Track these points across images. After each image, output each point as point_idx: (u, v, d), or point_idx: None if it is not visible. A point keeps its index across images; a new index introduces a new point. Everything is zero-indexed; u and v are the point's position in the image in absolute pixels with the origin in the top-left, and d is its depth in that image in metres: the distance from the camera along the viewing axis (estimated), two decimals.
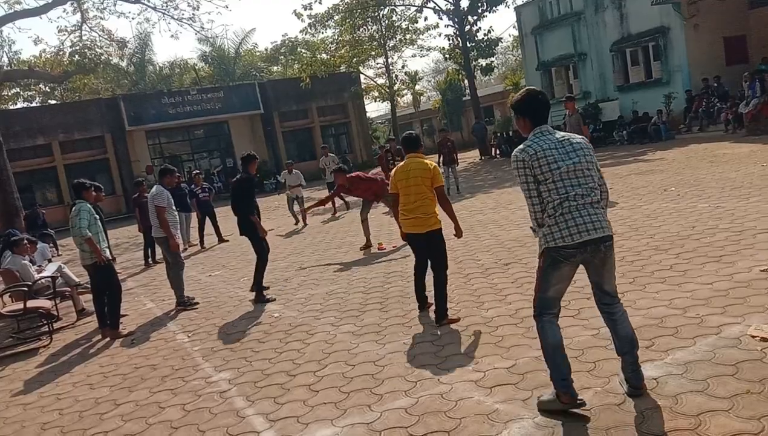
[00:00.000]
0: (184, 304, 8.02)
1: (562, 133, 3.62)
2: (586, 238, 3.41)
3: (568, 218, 3.42)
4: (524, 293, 6.01)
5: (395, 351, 5.04)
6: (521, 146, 3.58)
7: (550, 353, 3.58)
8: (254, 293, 7.78)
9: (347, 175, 10.39)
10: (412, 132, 6.21)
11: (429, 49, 51.03)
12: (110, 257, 7.55)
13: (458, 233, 5.90)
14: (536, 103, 3.63)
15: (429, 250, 5.76)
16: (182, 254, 9.27)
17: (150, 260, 12.52)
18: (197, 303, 8.08)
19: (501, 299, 6.00)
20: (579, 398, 3.50)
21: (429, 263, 5.82)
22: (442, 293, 5.59)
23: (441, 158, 15.63)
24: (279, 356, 5.44)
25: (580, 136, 3.66)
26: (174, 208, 8.47)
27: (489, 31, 28.86)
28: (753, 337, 4.08)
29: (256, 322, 6.74)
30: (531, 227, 3.68)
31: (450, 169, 15.78)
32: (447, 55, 31.78)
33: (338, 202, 15.77)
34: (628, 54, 23.73)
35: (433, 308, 5.70)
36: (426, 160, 5.81)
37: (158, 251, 11.76)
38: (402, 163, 5.92)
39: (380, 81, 40.10)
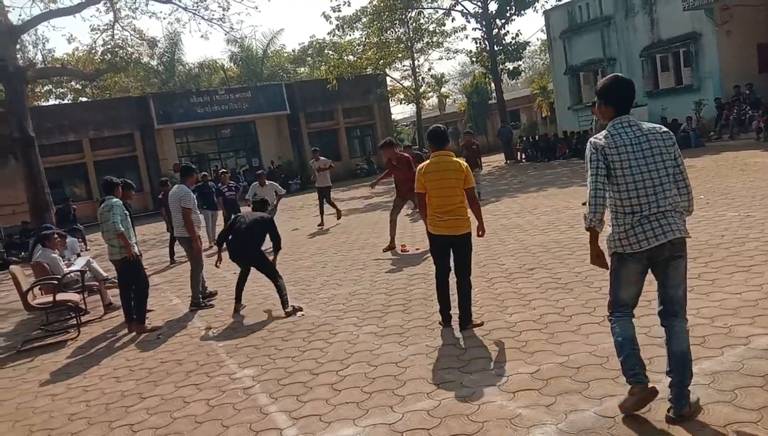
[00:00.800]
0: (198, 305, 7.99)
1: (646, 126, 3.46)
2: (654, 244, 3.35)
3: (636, 227, 3.37)
4: (548, 299, 5.97)
5: (418, 353, 5.04)
6: (599, 136, 3.48)
7: (619, 348, 3.53)
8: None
9: (398, 153, 10.18)
10: (440, 126, 5.74)
11: (456, 51, 51.14)
12: (138, 253, 7.65)
13: (482, 232, 5.70)
14: (622, 90, 3.51)
15: (457, 254, 5.50)
16: (207, 252, 9.38)
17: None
18: (212, 304, 8.11)
19: (525, 303, 5.97)
20: (651, 385, 3.46)
21: (452, 268, 5.56)
22: (468, 298, 5.51)
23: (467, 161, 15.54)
24: (302, 355, 5.48)
25: (662, 130, 3.48)
26: (197, 209, 8.48)
27: (517, 35, 28.79)
28: None
29: (280, 320, 6.79)
30: (585, 216, 3.48)
31: (473, 173, 15.61)
32: (474, 59, 31.71)
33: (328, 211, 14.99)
34: (658, 59, 23.44)
35: (455, 319, 5.57)
36: (457, 159, 5.52)
37: (177, 249, 12.07)
38: (431, 161, 5.49)
39: (406, 83, 40.10)
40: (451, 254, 5.55)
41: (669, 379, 3.44)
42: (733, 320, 4.64)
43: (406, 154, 10.65)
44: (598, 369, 4.17)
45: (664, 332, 3.55)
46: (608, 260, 3.56)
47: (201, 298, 8.19)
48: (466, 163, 5.60)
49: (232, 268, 10.70)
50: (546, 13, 28.42)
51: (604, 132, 3.50)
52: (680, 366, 3.41)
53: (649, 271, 3.54)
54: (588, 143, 3.51)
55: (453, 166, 5.43)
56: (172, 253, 12.67)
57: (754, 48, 21.05)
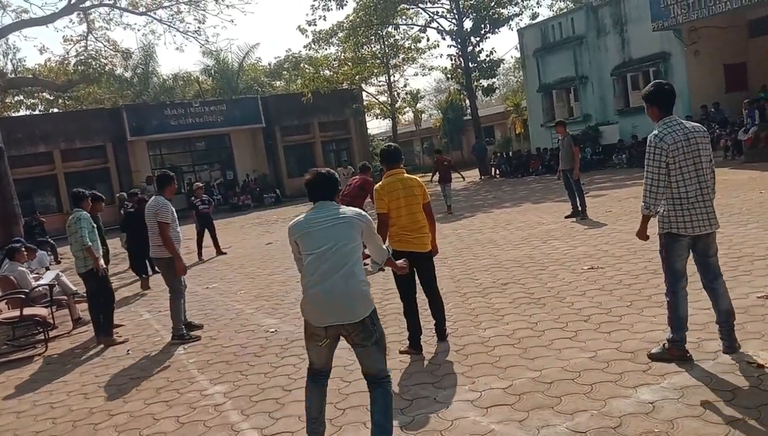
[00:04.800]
0: (182, 337, 6.90)
1: (689, 125, 4.17)
2: (698, 233, 4.16)
3: (689, 210, 4.12)
4: (521, 314, 6.01)
5: (391, 369, 5.01)
6: (658, 133, 4.11)
7: (676, 320, 4.28)
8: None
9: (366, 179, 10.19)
10: (392, 144, 5.68)
11: (431, 68, 51.34)
12: (105, 266, 7.52)
13: (436, 251, 5.65)
14: (665, 93, 4.22)
15: (425, 270, 5.48)
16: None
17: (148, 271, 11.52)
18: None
19: (498, 318, 6.00)
20: (687, 354, 4.26)
21: (417, 286, 5.46)
22: (443, 311, 5.57)
23: (438, 176, 16.52)
24: (275, 371, 5.43)
25: (702, 129, 4.20)
26: (177, 223, 7.15)
27: (491, 53, 29.19)
28: (749, 363, 4.09)
29: (252, 336, 6.72)
30: (643, 205, 4.22)
31: (446, 187, 16.46)
32: (449, 75, 32.02)
33: None
34: (629, 78, 23.92)
35: (425, 336, 5.47)
36: (412, 176, 5.52)
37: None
38: (391, 180, 5.36)
39: (382, 98, 40.31)
40: (416, 273, 5.43)
41: (718, 326, 4.35)
42: (702, 334, 4.69)
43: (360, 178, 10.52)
44: (570, 384, 4.21)
45: (709, 295, 4.38)
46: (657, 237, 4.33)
47: (184, 329, 7.06)
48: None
49: (205, 283, 10.63)
50: (520, 31, 28.84)
51: (656, 130, 4.14)
52: (727, 317, 4.29)
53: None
54: (650, 139, 4.14)
55: (415, 184, 5.41)
56: (136, 267, 11.51)
57: (721, 68, 21.60)
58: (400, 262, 4.27)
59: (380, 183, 5.45)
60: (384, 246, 4.07)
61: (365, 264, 4.03)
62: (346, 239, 3.59)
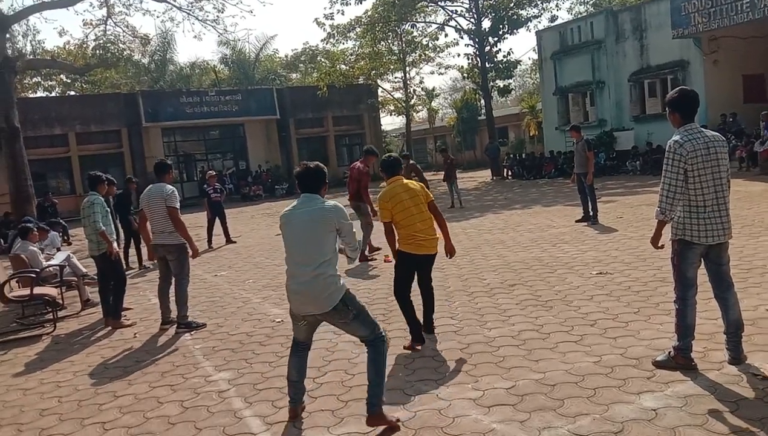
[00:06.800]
0: (189, 325, 6.82)
1: (709, 134, 4.18)
2: (712, 242, 4.15)
3: (704, 219, 4.10)
4: (528, 316, 6.01)
5: (395, 364, 5.04)
6: (678, 139, 4.09)
7: (683, 329, 4.26)
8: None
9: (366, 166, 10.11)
10: (392, 155, 5.88)
11: (447, 67, 51.14)
12: (118, 249, 7.59)
13: (451, 252, 5.70)
14: (688, 100, 4.19)
15: (426, 271, 5.63)
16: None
17: (139, 264, 11.62)
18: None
19: (504, 319, 6.00)
20: (693, 362, 4.25)
21: (413, 284, 5.55)
22: (433, 306, 5.74)
23: (444, 175, 17.46)
24: (279, 360, 5.45)
25: (722, 138, 4.22)
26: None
27: (508, 53, 29.09)
28: (755, 375, 4.07)
29: (258, 325, 6.76)
30: (658, 210, 4.17)
31: (452, 185, 17.21)
32: (465, 75, 31.94)
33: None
34: (646, 85, 23.78)
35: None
36: (412, 181, 5.71)
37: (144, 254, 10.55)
38: (394, 186, 5.48)
39: (397, 95, 40.29)
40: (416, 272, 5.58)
41: (725, 336, 4.33)
42: (708, 344, 4.68)
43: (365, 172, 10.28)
44: (574, 387, 4.21)
45: (719, 305, 4.35)
46: (669, 243, 4.34)
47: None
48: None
49: (213, 271, 10.69)
50: (538, 33, 28.73)
51: (677, 136, 4.12)
52: (736, 328, 4.27)
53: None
54: (670, 145, 4.12)
55: (417, 186, 5.58)
56: (127, 255, 11.45)
57: (740, 78, 21.42)
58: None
59: (382, 191, 5.57)
60: (357, 245, 4.26)
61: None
62: (317, 233, 3.89)
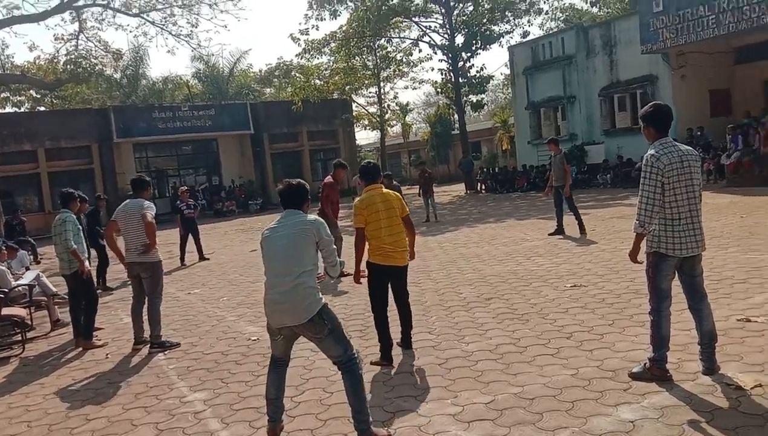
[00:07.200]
0: (162, 344, 6.68)
1: (683, 148, 4.24)
2: (686, 254, 4.22)
3: (679, 232, 4.18)
4: (505, 329, 6.03)
5: (374, 381, 5.01)
6: (655, 153, 4.15)
7: (659, 340, 4.32)
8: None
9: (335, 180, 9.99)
10: (371, 161, 5.89)
11: (421, 81, 51.49)
12: (90, 268, 7.45)
13: (413, 256, 5.75)
14: (663, 114, 4.26)
15: (400, 283, 5.60)
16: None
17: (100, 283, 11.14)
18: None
19: (482, 333, 6.01)
20: (668, 373, 4.31)
21: (389, 300, 5.54)
22: (411, 321, 5.72)
23: (420, 189, 17.57)
24: (256, 380, 5.39)
25: (695, 152, 4.30)
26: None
27: (481, 69, 29.48)
28: (728, 385, 4.13)
29: (234, 344, 6.68)
30: (637, 223, 4.21)
31: (429, 199, 17.34)
32: (439, 89, 32.21)
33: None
34: (616, 99, 24.20)
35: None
36: (391, 191, 5.66)
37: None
38: (372, 194, 5.45)
39: (372, 110, 40.42)
40: (389, 285, 5.56)
41: (699, 347, 4.40)
42: (682, 355, 4.74)
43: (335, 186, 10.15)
44: (552, 401, 4.22)
45: (693, 316, 4.44)
46: (644, 256, 4.37)
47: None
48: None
49: (186, 288, 10.55)
50: (510, 49, 29.11)
51: (652, 150, 4.17)
52: (709, 339, 4.35)
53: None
54: (647, 158, 4.16)
55: (394, 197, 5.53)
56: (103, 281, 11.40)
57: (707, 93, 21.94)
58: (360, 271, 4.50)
59: (359, 198, 5.56)
60: (338, 260, 4.29)
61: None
62: (298, 244, 3.94)
